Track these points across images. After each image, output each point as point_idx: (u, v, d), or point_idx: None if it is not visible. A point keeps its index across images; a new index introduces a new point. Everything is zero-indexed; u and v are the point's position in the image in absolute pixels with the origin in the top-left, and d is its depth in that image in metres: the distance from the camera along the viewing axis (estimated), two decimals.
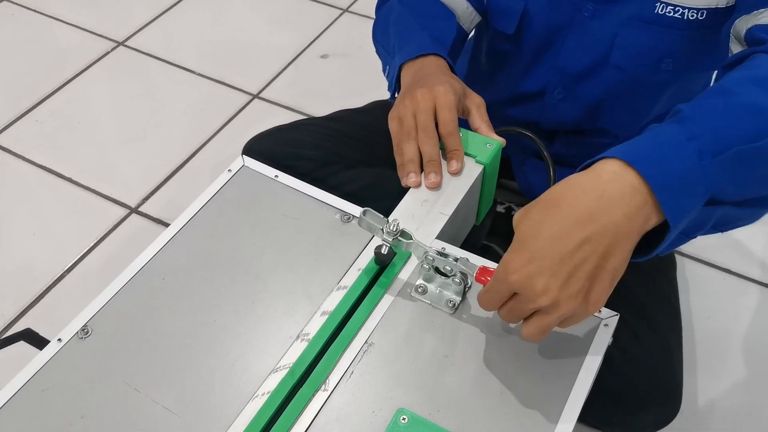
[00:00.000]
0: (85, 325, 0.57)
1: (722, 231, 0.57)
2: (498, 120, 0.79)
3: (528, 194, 1.00)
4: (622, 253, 0.49)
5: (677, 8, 0.74)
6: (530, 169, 0.97)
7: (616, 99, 0.85)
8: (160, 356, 0.56)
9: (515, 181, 0.99)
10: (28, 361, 0.56)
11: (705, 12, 0.73)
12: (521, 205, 1.08)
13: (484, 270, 0.55)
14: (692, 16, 0.74)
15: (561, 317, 0.49)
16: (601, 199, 0.47)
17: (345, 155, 0.94)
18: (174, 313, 0.58)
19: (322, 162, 0.91)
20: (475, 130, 0.72)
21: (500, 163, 0.73)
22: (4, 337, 1.12)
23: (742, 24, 0.66)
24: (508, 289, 0.50)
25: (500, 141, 0.70)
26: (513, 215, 1.06)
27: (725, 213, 0.54)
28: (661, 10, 0.74)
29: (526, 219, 0.50)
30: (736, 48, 0.67)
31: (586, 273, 0.48)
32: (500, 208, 1.06)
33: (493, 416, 0.52)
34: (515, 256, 0.49)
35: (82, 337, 0.56)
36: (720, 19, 0.74)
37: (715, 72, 0.71)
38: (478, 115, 0.73)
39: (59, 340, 0.56)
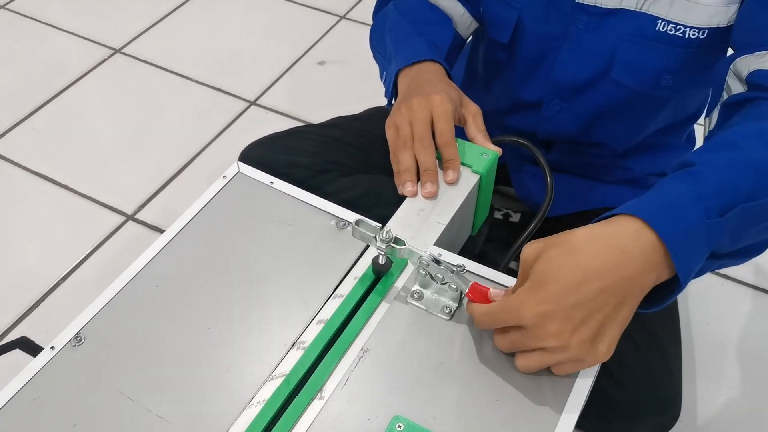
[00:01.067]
0: (78, 333, 0.56)
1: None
2: (495, 128, 0.78)
3: (526, 201, 1.00)
4: (633, 305, 0.51)
5: (678, 27, 0.74)
6: (527, 176, 0.97)
7: (614, 113, 0.85)
8: (154, 364, 0.55)
9: (513, 187, 0.99)
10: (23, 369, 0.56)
11: (706, 31, 0.73)
12: (518, 211, 1.08)
13: (475, 288, 0.55)
14: (693, 35, 0.74)
15: (565, 360, 0.51)
16: (622, 254, 0.50)
17: (341, 162, 0.94)
18: (168, 321, 0.58)
19: (319, 169, 0.91)
20: (471, 140, 0.71)
21: (497, 169, 0.73)
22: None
23: (744, 64, 0.66)
24: (516, 322, 0.51)
25: (496, 151, 0.70)
26: (510, 222, 1.07)
27: (720, 263, 0.57)
28: (662, 28, 0.74)
29: (544, 260, 0.51)
30: (734, 84, 0.67)
31: (598, 321, 0.50)
32: (498, 215, 1.06)
33: (489, 423, 0.51)
34: (531, 295, 0.50)
35: (75, 345, 0.56)
36: (720, 37, 0.74)
37: (712, 106, 0.71)
38: (474, 125, 0.72)
39: (52, 348, 0.56)
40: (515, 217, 1.06)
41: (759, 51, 0.65)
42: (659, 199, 0.53)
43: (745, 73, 0.65)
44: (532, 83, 0.87)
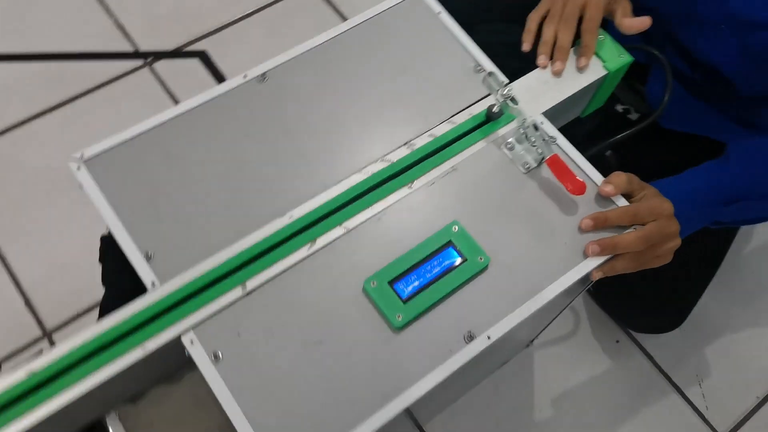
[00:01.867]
0: (264, 73, 0.75)
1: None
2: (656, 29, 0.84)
3: (653, 105, 1.06)
4: None
5: None
6: (661, 87, 1.02)
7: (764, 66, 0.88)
8: (312, 116, 0.73)
9: (645, 88, 1.05)
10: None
11: None
12: (640, 111, 1.14)
13: (554, 159, 0.68)
14: None
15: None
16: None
17: (502, 7, 1.02)
18: (327, 91, 0.75)
19: (479, 6, 1.00)
20: (617, 25, 0.78)
21: (636, 66, 0.79)
22: (184, 50, 1.35)
23: None
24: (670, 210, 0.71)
25: (642, 25, 0.76)
26: (627, 118, 1.14)
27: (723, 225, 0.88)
28: None
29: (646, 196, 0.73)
30: None
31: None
32: (619, 108, 1.13)
33: (522, 253, 0.67)
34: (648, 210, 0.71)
35: (260, 81, 0.75)
36: None
37: None
38: (622, 13, 0.78)
39: (244, 76, 0.74)
40: (634, 116, 1.13)
41: None
42: (686, 184, 0.81)
43: None
44: (711, 1, 0.90)
